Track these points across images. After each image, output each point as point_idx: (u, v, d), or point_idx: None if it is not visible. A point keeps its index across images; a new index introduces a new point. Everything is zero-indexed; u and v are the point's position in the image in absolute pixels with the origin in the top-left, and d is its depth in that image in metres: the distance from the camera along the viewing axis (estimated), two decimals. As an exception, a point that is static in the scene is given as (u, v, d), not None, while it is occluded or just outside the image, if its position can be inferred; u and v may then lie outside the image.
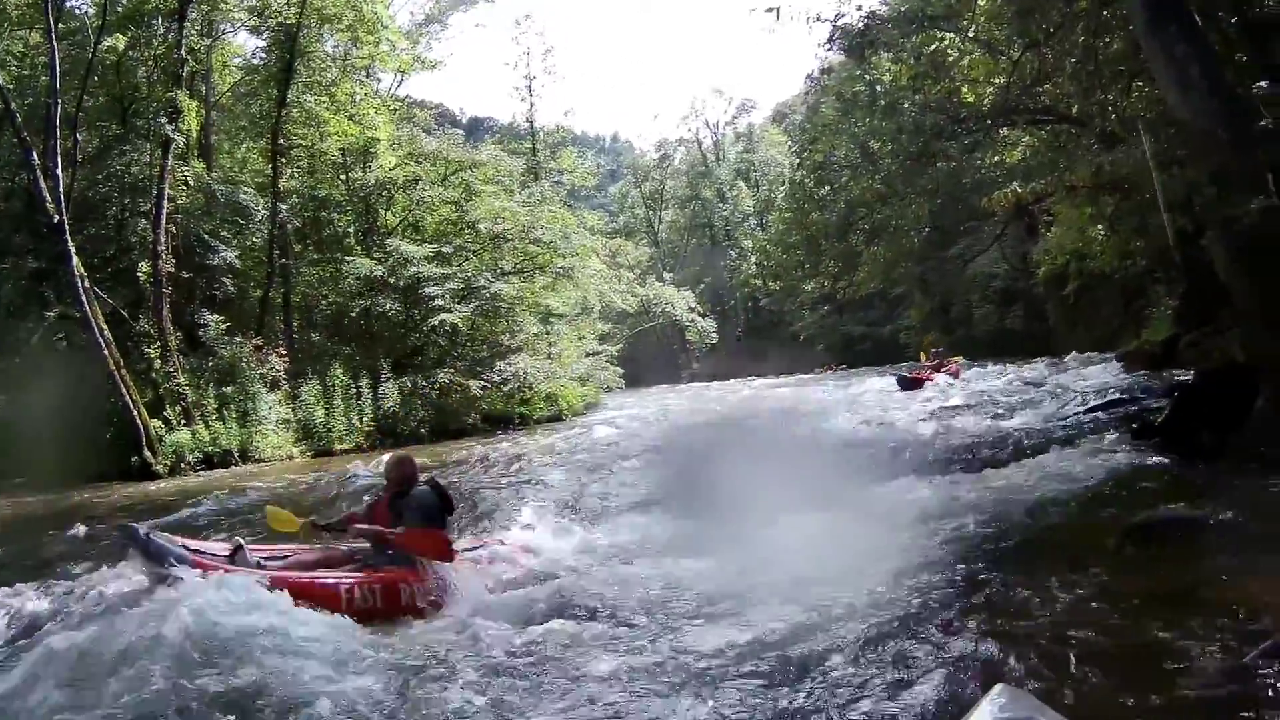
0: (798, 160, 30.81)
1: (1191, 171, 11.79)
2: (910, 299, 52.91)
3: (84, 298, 21.41)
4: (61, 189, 21.96)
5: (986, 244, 38.13)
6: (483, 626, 6.90)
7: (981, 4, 19.44)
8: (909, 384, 27.11)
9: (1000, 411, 18.38)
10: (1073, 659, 5.11)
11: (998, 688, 2.61)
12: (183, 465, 21.34)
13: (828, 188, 26.09)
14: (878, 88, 23.69)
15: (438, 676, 5.86)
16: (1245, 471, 9.23)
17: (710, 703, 5.12)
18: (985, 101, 21.50)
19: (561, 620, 6.99)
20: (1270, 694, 4.47)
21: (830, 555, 8.01)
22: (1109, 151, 17.14)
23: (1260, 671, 4.64)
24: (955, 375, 28.54)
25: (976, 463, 12.45)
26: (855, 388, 31.78)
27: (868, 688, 5.09)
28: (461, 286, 29.43)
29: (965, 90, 21.96)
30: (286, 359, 25.71)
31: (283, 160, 28.88)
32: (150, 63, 26.58)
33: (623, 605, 7.34)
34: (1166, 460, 10.68)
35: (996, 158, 25.90)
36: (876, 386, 30.01)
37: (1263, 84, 11.24)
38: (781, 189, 59.24)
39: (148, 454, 20.91)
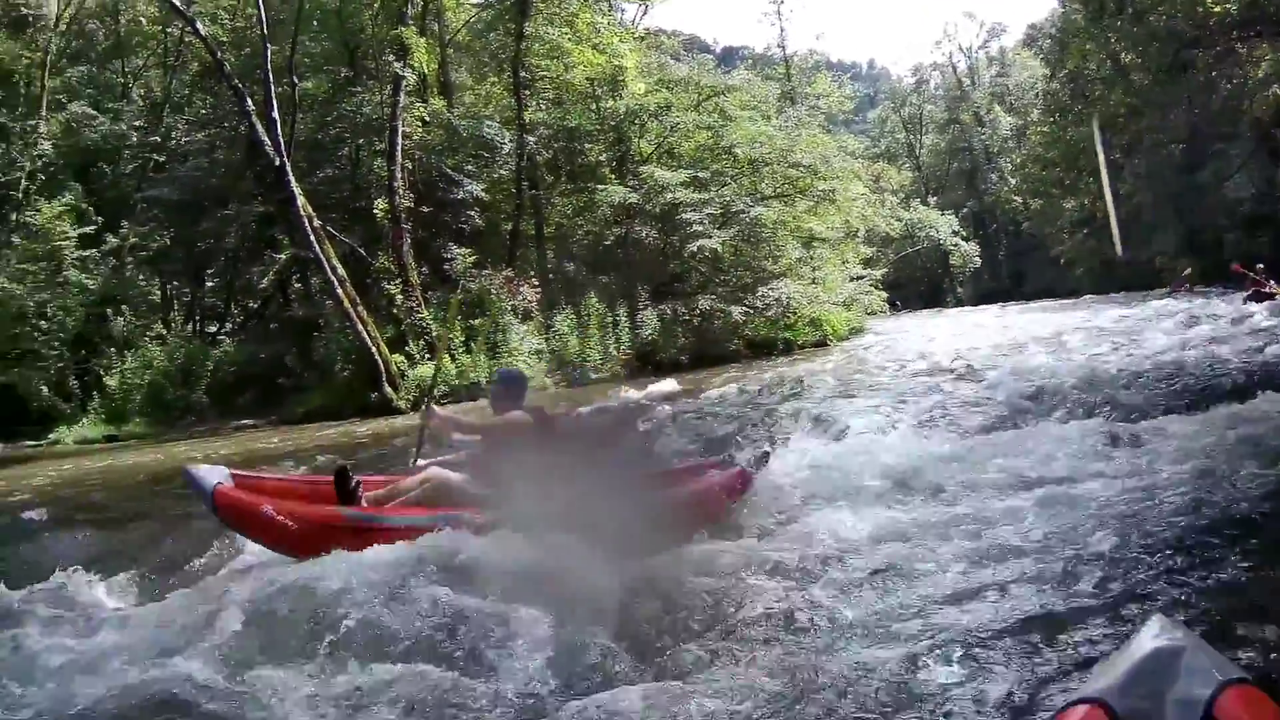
0: (1049, 72, 28.86)
1: None
2: (1163, 223, 49.58)
3: (313, 238, 21.33)
4: (280, 133, 21.89)
5: (1238, 159, 35.52)
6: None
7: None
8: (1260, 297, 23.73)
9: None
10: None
11: (1154, 618, 2.53)
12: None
13: (1081, 103, 24.30)
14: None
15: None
16: None
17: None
18: (1233, 9, 19.94)
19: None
20: None
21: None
22: None
23: None
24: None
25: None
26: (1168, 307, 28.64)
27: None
28: (720, 212, 28.31)
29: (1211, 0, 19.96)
30: (539, 289, 25.11)
31: (526, 93, 28.21)
32: (375, 4, 26.42)
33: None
34: None
35: (1242, 72, 23.97)
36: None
37: None
38: (1036, 108, 56.85)
39: (388, 390, 20.69)
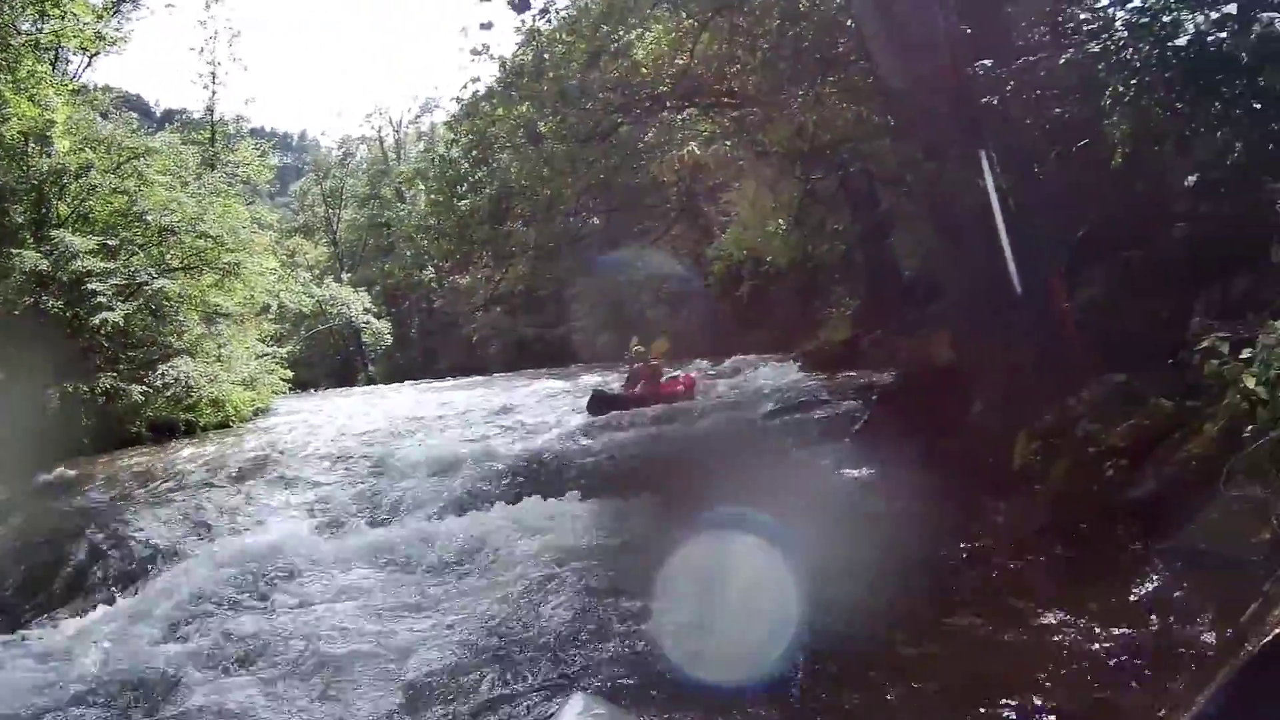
0: (451, 136, 28.62)
1: (905, 144, 10.86)
2: (582, 300, 53.05)
3: None
4: None
5: (659, 233, 37.46)
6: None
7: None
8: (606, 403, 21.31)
9: (677, 416, 17.21)
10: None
11: (576, 696, 2.84)
12: None
13: (483, 169, 24.25)
14: (546, 57, 22.27)
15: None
16: (954, 481, 9.07)
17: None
18: (665, 82, 20.68)
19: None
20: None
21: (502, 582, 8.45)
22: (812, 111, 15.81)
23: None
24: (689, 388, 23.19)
25: (647, 477, 12.24)
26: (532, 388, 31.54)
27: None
28: (125, 282, 28.25)
29: (645, 70, 21.00)
30: (-59, 364, 23.78)
31: (-45, 145, 26.63)
32: None
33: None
34: (868, 468, 10.46)
35: (666, 139, 24.80)
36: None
37: (986, 62, 9.74)
38: (432, 170, 58.52)
39: None
